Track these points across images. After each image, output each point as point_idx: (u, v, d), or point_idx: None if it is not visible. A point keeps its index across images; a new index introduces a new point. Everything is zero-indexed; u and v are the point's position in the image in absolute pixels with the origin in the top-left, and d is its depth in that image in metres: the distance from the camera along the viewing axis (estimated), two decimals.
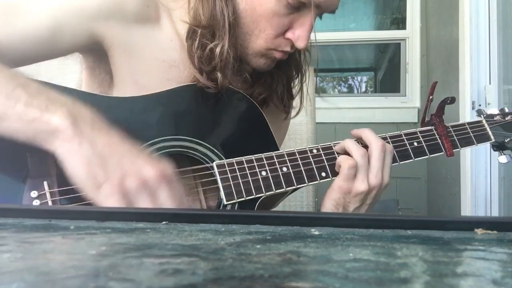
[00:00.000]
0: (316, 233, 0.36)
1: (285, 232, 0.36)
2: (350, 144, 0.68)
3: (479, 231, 0.37)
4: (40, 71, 0.94)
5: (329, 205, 0.69)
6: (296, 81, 0.84)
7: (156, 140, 0.65)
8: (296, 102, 0.86)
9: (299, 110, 0.85)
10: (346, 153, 0.69)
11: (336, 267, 0.25)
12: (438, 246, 0.32)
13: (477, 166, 1.74)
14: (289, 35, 0.69)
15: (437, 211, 2.37)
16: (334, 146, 0.71)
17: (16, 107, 0.53)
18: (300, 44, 0.69)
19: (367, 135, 0.70)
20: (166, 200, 0.54)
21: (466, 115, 1.74)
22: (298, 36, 0.69)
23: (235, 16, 0.68)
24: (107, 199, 0.51)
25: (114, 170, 0.52)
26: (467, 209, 1.76)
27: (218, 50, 0.68)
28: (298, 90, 0.84)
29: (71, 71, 1.15)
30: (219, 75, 0.69)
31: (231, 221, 0.40)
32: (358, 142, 0.70)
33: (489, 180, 1.71)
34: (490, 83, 1.73)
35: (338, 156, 0.69)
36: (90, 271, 0.24)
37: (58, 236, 0.34)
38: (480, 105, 1.73)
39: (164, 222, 0.39)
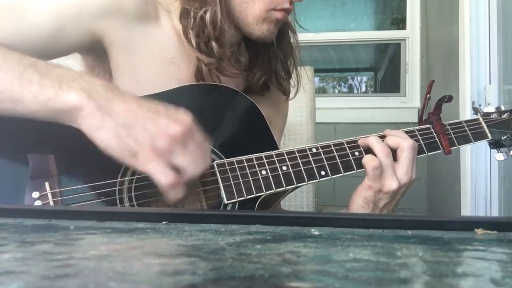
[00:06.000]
0: (316, 233, 0.36)
1: (285, 232, 0.36)
2: (374, 142, 0.70)
3: (479, 231, 0.37)
4: None
5: (359, 201, 0.70)
6: (290, 61, 0.84)
7: None
8: (293, 85, 0.87)
9: (297, 89, 0.86)
10: (369, 149, 0.70)
11: (336, 267, 0.25)
12: (438, 246, 0.32)
13: (477, 166, 1.73)
14: None
15: (437, 211, 2.37)
16: (358, 139, 0.72)
17: (31, 87, 0.54)
18: None
19: (398, 134, 0.72)
20: (195, 150, 0.56)
21: (466, 115, 1.74)
22: None
23: None
24: (147, 165, 0.53)
25: (142, 136, 0.53)
26: (467, 209, 1.75)
27: (208, 16, 0.68)
28: (292, 69, 0.84)
29: None
30: (214, 44, 0.69)
31: (231, 221, 0.40)
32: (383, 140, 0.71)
33: (489, 180, 1.71)
34: (490, 83, 1.73)
35: (363, 150, 0.70)
36: (90, 271, 0.24)
37: (58, 236, 0.34)
38: (480, 105, 1.73)
39: (164, 222, 0.39)
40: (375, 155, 0.69)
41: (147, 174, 0.54)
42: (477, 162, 1.73)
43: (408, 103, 2.65)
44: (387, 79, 3.28)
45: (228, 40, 0.71)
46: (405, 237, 0.35)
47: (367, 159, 0.68)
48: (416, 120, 2.70)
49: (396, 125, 2.45)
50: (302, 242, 0.32)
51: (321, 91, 3.50)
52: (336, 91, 3.80)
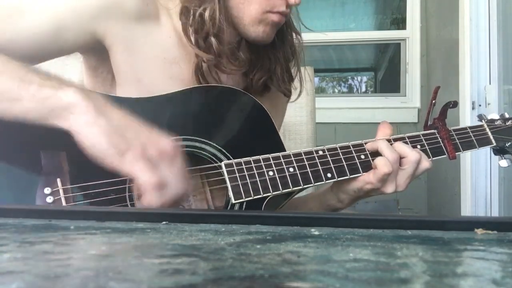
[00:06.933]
0: (316, 233, 0.36)
1: (285, 232, 0.36)
2: (384, 147, 0.70)
3: (479, 231, 0.37)
4: None
5: (350, 191, 0.72)
6: (293, 64, 0.85)
7: None
8: (295, 87, 0.87)
9: (300, 92, 0.86)
10: (377, 153, 0.71)
11: (336, 267, 0.25)
12: (438, 246, 0.32)
13: (477, 166, 1.74)
14: None
15: (437, 211, 2.37)
16: (365, 143, 0.72)
17: (30, 88, 0.55)
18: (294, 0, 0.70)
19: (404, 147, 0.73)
20: (179, 170, 0.57)
21: (466, 115, 1.74)
22: None
23: None
24: (133, 165, 0.54)
25: (134, 140, 0.55)
26: (467, 209, 1.76)
27: (207, 13, 0.69)
28: (296, 72, 0.85)
29: (71, 72, 1.15)
30: (213, 40, 0.69)
31: (231, 221, 0.40)
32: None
33: (489, 180, 1.71)
34: (490, 83, 1.73)
35: (368, 153, 0.71)
36: (90, 271, 0.24)
37: (58, 236, 0.34)
38: (480, 105, 1.73)
39: (164, 222, 0.39)
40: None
41: (130, 176, 0.55)
42: (477, 162, 1.73)
43: (408, 103, 2.64)
44: (387, 79, 3.27)
45: (227, 38, 0.71)
46: (405, 237, 0.35)
47: (381, 162, 0.69)
48: (416, 120, 2.70)
49: (396, 125, 2.45)
50: (302, 242, 0.32)
51: (321, 91, 3.50)
52: (336, 91, 3.79)
